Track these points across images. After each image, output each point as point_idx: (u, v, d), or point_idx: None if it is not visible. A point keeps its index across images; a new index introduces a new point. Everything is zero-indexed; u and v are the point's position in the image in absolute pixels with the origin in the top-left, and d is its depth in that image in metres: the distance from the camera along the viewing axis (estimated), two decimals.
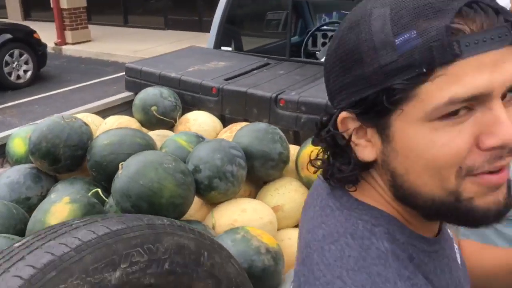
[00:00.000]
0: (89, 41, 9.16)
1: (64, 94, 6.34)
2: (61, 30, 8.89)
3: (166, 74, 2.46)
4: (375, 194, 0.54)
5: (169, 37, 8.82)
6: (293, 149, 1.84)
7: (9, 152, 1.89)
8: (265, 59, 2.75)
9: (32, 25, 7.61)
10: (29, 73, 6.77)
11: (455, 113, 0.45)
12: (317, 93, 2.06)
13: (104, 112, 2.43)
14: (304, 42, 3.61)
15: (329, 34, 3.54)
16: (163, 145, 1.81)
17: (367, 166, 0.54)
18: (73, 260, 0.86)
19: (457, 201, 0.48)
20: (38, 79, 6.89)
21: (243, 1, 3.52)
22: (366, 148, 0.52)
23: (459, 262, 0.63)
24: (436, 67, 0.44)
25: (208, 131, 2.13)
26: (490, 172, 0.47)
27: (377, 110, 0.48)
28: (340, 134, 0.53)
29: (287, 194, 1.68)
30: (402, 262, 0.49)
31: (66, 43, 8.98)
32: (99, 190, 1.60)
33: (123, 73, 2.73)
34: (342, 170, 0.54)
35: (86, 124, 1.76)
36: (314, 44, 3.63)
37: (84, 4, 9.12)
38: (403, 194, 0.51)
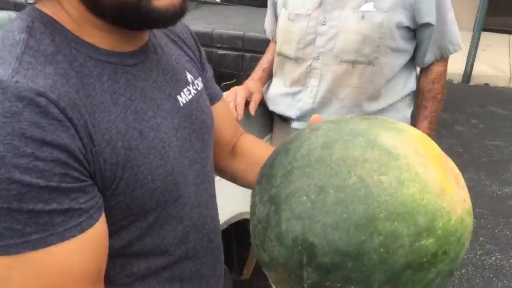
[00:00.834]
0: None
1: None
2: None
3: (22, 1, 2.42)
4: (55, 5, 0.58)
5: None
6: None
7: None
8: None
9: None
10: None
11: None
12: None
13: None
14: None
15: None
16: None
17: None
18: None
19: (139, 1, 0.55)
20: None
21: None
22: None
23: (195, 102, 0.72)
24: None
25: None
26: None
27: None
28: None
29: None
30: (36, 50, 0.54)
31: None
32: None
33: None
34: None
35: None
36: None
37: None
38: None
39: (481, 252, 2.58)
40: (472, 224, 0.60)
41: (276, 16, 1.59)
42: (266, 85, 1.67)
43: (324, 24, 1.39)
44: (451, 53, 1.46)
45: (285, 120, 1.56)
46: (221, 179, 0.97)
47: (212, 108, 0.82)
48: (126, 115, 0.59)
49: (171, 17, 0.59)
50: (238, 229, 1.60)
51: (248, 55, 2.12)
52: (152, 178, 0.61)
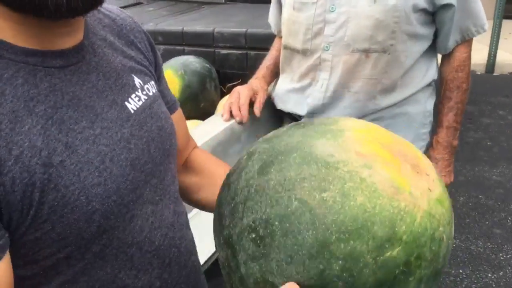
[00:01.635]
0: None
1: None
2: None
3: None
4: None
5: None
6: None
7: None
8: None
9: None
10: None
11: None
12: None
13: None
14: None
15: None
16: None
17: None
18: None
19: None
20: None
21: None
22: None
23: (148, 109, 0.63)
24: None
25: None
26: None
27: None
28: None
29: None
30: None
31: None
32: None
33: None
34: None
35: None
36: None
37: None
38: None
39: None
40: (450, 210, 0.53)
41: (280, 8, 1.47)
42: (273, 84, 1.56)
43: (332, 11, 1.27)
44: (474, 36, 1.32)
45: (296, 119, 1.43)
46: None
47: None
48: (46, 126, 0.49)
49: (84, 2, 0.48)
50: None
51: (252, 53, 2.01)
52: (87, 200, 0.51)
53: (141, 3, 2.85)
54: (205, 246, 0.94)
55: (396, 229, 0.47)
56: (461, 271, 2.26)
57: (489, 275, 2.23)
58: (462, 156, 3.24)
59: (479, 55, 5.16)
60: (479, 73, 5.31)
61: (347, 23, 1.25)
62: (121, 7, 0.74)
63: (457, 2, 1.24)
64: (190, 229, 0.73)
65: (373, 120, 1.22)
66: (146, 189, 0.60)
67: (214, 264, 1.29)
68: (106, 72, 0.59)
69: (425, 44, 1.31)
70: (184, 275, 0.68)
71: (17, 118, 0.47)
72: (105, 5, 0.61)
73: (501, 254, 2.36)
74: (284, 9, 1.41)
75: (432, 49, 1.35)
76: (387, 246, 0.47)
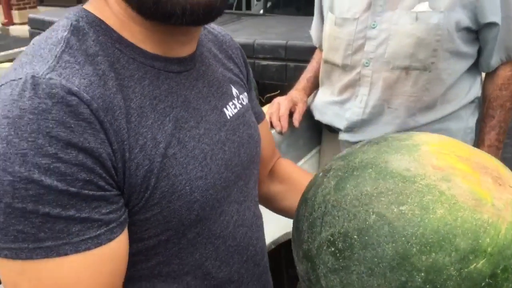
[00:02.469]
0: None
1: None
2: (8, 9, 8.26)
3: None
4: (102, 5, 0.57)
5: None
6: None
7: None
8: None
9: None
10: None
11: None
12: None
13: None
14: None
15: None
16: None
17: None
18: None
19: None
20: None
21: None
22: None
23: (241, 118, 0.69)
24: None
25: None
26: None
27: None
28: None
29: None
30: (77, 49, 0.53)
31: (13, 23, 8.29)
32: None
33: None
34: None
35: None
36: None
37: None
38: None
39: None
40: None
41: (323, 22, 1.50)
42: (312, 95, 1.58)
43: (373, 28, 1.28)
44: None
45: (334, 131, 1.45)
46: None
47: None
48: (164, 122, 0.57)
49: (204, 14, 0.54)
50: (287, 249, 1.50)
51: (291, 64, 2.04)
52: (190, 190, 0.58)
53: None
54: None
55: (480, 241, 0.46)
56: None
57: None
58: None
59: None
60: None
61: (388, 40, 1.26)
62: None
63: (502, 21, 1.23)
64: (264, 232, 0.78)
65: None
66: (234, 189, 0.66)
67: None
68: (210, 80, 0.66)
69: (468, 62, 1.30)
70: (257, 273, 0.73)
71: (143, 113, 0.55)
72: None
73: None
74: (326, 24, 1.43)
75: (476, 66, 1.34)
76: (471, 258, 0.46)
